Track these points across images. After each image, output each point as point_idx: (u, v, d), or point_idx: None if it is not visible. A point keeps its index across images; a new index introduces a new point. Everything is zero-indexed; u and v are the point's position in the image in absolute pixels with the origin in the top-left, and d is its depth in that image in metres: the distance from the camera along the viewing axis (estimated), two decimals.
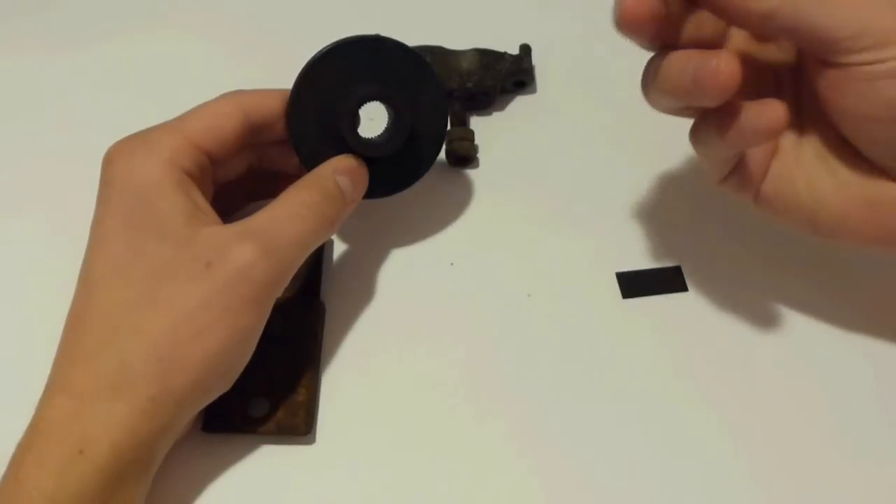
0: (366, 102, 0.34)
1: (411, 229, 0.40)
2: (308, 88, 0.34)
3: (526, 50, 0.44)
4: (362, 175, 0.35)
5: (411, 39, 0.41)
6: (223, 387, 0.31)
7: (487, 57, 0.43)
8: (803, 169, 0.31)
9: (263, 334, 0.34)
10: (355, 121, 0.35)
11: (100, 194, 0.32)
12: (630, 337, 0.36)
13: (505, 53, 0.43)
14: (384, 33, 0.42)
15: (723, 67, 0.27)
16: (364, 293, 0.38)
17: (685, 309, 0.37)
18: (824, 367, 0.35)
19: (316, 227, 0.32)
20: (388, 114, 0.35)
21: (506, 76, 0.43)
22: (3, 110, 0.44)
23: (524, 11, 0.48)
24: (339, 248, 0.39)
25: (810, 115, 0.31)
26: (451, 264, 0.39)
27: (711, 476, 0.33)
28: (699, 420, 0.34)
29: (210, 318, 0.29)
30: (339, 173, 0.34)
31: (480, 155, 0.42)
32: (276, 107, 0.34)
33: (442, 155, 0.42)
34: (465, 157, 0.41)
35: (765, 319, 0.36)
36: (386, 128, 0.36)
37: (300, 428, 0.33)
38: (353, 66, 0.35)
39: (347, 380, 0.35)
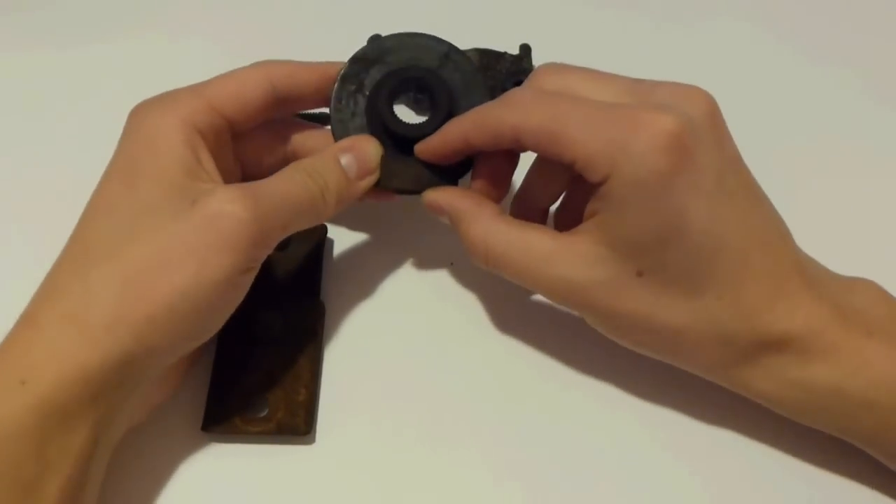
0: (407, 86, 0.34)
1: (411, 229, 0.40)
2: (353, 77, 0.35)
3: (526, 50, 0.44)
4: (369, 156, 0.33)
5: None
6: (186, 336, 0.29)
7: (487, 57, 0.43)
8: None
9: (264, 334, 0.35)
10: (393, 97, 0.34)
11: (117, 145, 0.32)
12: None
13: (505, 53, 0.43)
14: (384, 33, 0.43)
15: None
16: (364, 293, 0.38)
17: None
18: None
19: (308, 196, 0.31)
20: (428, 106, 0.35)
21: (506, 76, 0.43)
22: (4, 108, 0.44)
23: (524, 11, 0.48)
24: (339, 248, 0.39)
25: None
26: (451, 264, 0.39)
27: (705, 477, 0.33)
28: (698, 421, 0.34)
29: (183, 252, 0.28)
30: (344, 151, 0.33)
31: None
32: (307, 79, 0.34)
33: None
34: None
35: None
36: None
37: (300, 428, 0.33)
38: (404, 60, 0.35)
39: (347, 380, 0.35)
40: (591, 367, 0.35)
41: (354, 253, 0.39)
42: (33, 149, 0.42)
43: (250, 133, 0.34)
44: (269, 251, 0.31)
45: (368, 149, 0.34)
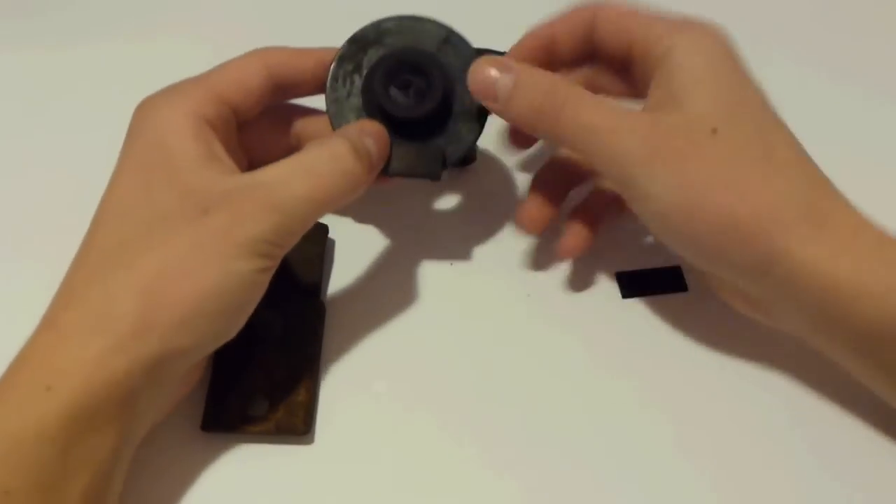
0: (403, 68, 0.34)
1: (411, 229, 0.40)
2: (351, 58, 0.34)
3: None
4: (386, 142, 0.33)
5: None
6: (211, 336, 0.30)
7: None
8: None
9: (264, 334, 0.35)
10: (388, 78, 0.34)
11: (124, 142, 0.31)
12: (629, 337, 0.36)
13: (504, 53, 0.43)
14: None
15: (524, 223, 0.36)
16: (364, 293, 0.38)
17: (685, 309, 0.37)
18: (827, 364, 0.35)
19: (333, 186, 0.31)
20: (421, 85, 0.34)
21: None
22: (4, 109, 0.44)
23: (524, 11, 0.48)
24: (339, 248, 0.39)
25: None
26: (451, 264, 0.39)
27: (712, 476, 0.33)
28: (699, 421, 0.34)
29: (201, 261, 0.28)
30: (366, 135, 0.32)
31: (480, 154, 0.42)
32: (304, 66, 0.34)
33: None
34: (465, 156, 0.41)
35: None
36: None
37: (299, 428, 0.33)
38: (403, 42, 0.35)
39: (347, 380, 0.35)
40: (591, 367, 0.36)
41: (355, 253, 0.39)
42: (35, 148, 0.43)
43: (253, 121, 0.34)
44: (290, 248, 0.31)
45: (384, 134, 0.33)
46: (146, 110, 0.32)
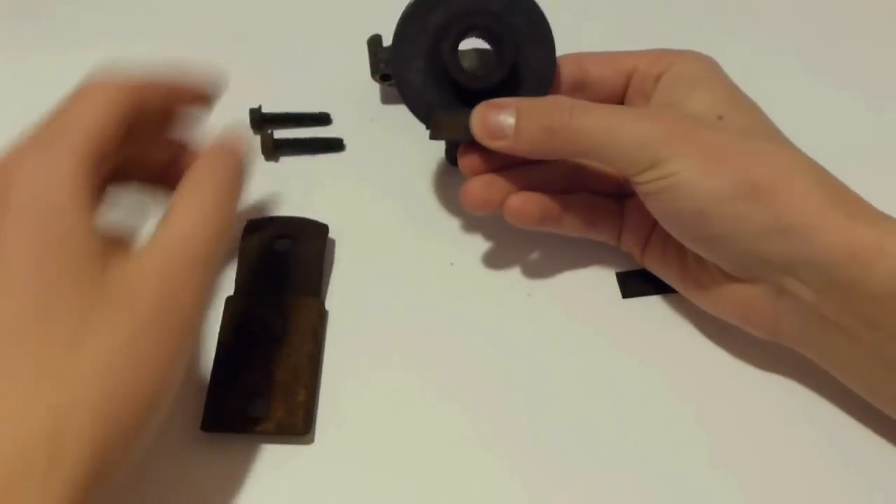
0: (470, 31, 0.34)
1: (411, 229, 0.40)
2: (415, 21, 0.34)
3: None
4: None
5: None
6: (168, 402, 0.28)
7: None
8: (671, 244, 0.34)
9: (264, 334, 0.35)
10: (457, 45, 0.33)
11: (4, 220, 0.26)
12: (629, 337, 0.36)
13: None
14: (382, 34, 0.43)
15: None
16: (364, 293, 0.38)
17: (685, 309, 0.37)
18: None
19: (221, 222, 0.29)
20: (490, 53, 0.34)
21: None
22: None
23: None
24: (339, 248, 0.39)
25: None
26: (451, 264, 0.39)
27: (710, 473, 0.33)
28: (698, 422, 0.34)
29: (141, 356, 0.26)
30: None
31: None
32: (154, 97, 0.31)
33: (441, 154, 0.42)
34: None
35: None
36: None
37: (299, 428, 0.33)
38: (467, 2, 0.34)
39: (347, 380, 0.35)
40: (592, 367, 0.36)
41: (355, 253, 0.39)
42: None
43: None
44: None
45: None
46: (23, 179, 0.27)
